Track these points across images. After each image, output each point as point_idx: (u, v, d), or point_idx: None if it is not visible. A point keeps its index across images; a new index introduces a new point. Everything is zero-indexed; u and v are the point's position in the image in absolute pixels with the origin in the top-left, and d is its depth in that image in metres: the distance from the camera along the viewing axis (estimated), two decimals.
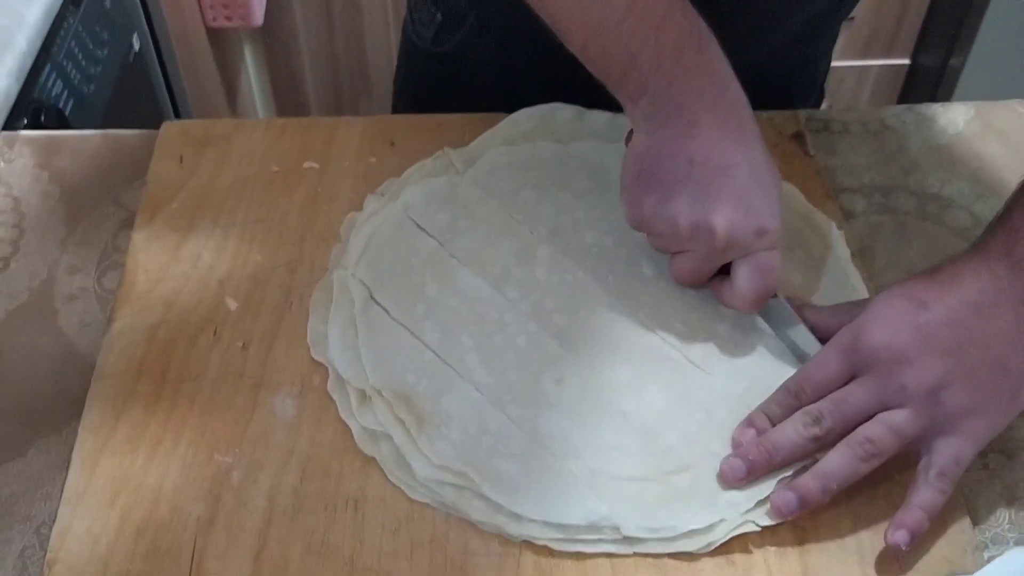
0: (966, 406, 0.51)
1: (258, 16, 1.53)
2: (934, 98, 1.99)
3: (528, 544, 0.52)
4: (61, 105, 0.98)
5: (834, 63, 0.93)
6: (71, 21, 1.02)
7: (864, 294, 0.63)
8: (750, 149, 0.57)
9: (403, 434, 0.55)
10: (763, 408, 0.55)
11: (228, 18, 1.48)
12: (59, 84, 0.98)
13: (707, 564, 0.51)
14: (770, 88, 0.85)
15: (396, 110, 0.89)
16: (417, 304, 0.61)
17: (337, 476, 0.55)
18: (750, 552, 0.52)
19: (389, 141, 0.73)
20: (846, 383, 0.53)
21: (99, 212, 0.70)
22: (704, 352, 0.60)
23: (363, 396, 0.57)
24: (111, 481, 0.54)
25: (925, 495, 0.51)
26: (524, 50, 0.58)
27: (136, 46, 1.21)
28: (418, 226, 0.66)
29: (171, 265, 0.64)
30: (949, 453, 0.51)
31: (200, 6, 1.46)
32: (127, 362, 0.59)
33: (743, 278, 0.57)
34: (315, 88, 1.93)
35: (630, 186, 0.59)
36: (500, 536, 0.52)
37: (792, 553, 0.52)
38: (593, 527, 0.52)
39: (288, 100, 1.95)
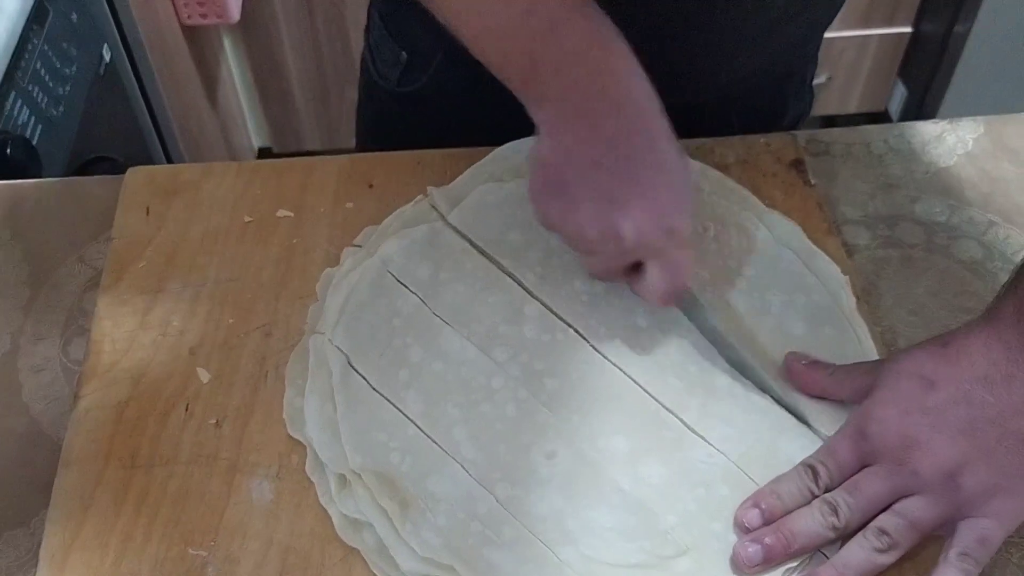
0: (988, 487, 0.49)
1: (234, 12, 1.48)
2: (938, 68, 1.93)
3: None
4: (28, 133, 0.94)
5: (834, 34, 0.90)
6: (35, 42, 0.97)
7: (870, 345, 0.60)
8: (657, 148, 0.55)
9: (386, 524, 0.52)
10: (774, 487, 0.52)
11: (203, 15, 1.43)
12: (25, 112, 0.93)
13: None
14: (767, 92, 0.81)
15: (362, 149, 0.85)
16: (399, 371, 0.58)
17: (318, 568, 0.52)
18: None
19: (367, 183, 0.69)
20: (859, 469, 0.51)
21: (63, 271, 0.66)
22: (700, 413, 0.57)
23: (343, 480, 0.54)
24: None
25: (950, 573, 0.49)
26: (497, 81, 0.56)
27: (107, 57, 1.16)
28: (398, 281, 0.62)
29: (139, 333, 0.61)
30: (973, 534, 0.49)
31: (174, 5, 1.41)
32: (95, 445, 0.56)
33: (655, 277, 0.57)
34: (299, 77, 1.88)
35: (537, 193, 0.58)
36: None
37: None
38: None
39: (272, 90, 1.90)
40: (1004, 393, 0.49)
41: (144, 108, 1.32)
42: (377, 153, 0.71)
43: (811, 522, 0.50)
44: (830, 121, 1.99)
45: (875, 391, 0.52)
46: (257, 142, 2.01)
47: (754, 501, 0.52)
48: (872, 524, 0.50)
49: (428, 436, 0.55)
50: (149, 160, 1.33)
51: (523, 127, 0.60)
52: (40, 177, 0.98)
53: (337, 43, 1.82)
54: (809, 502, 0.51)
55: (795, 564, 0.50)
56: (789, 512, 0.51)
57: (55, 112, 1.02)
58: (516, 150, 0.70)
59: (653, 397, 0.57)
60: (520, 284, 0.62)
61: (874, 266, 0.66)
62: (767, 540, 0.50)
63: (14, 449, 0.58)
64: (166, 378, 0.59)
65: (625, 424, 0.56)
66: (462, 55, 0.57)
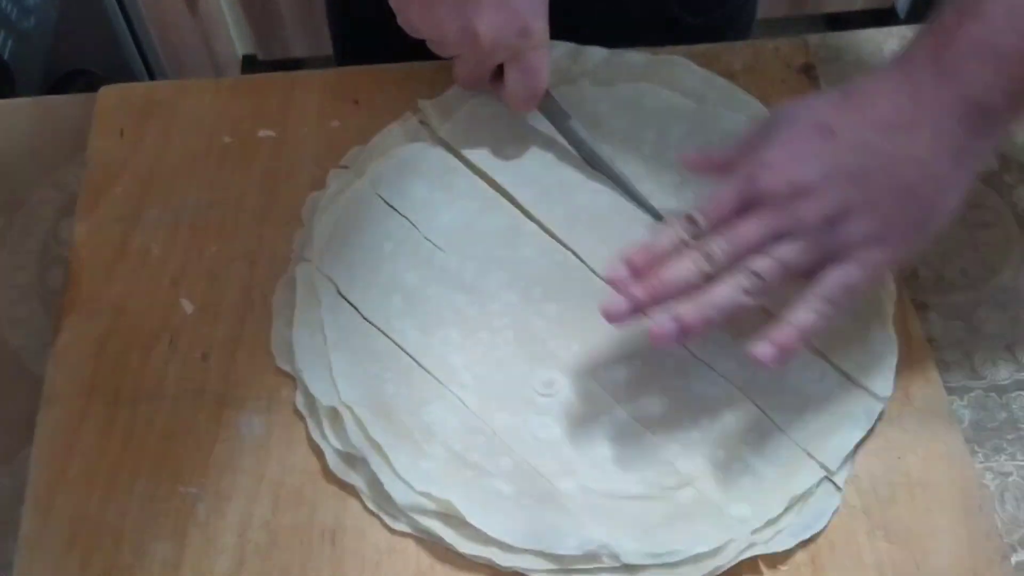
0: (867, 236, 0.47)
1: None
2: None
3: (520, 575, 0.48)
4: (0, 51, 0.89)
5: None
6: None
7: (891, 288, 0.57)
8: None
9: (380, 458, 0.50)
10: (647, 242, 0.49)
11: None
12: None
13: None
14: None
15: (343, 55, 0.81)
16: (391, 297, 0.56)
17: (311, 505, 0.50)
18: (761, 574, 0.48)
19: (352, 99, 0.65)
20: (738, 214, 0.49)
21: (37, 197, 0.63)
22: (704, 338, 0.54)
23: (335, 415, 0.52)
24: (68, 523, 0.50)
25: (800, 314, 0.47)
26: None
27: None
28: (388, 205, 0.59)
29: (118, 263, 0.58)
30: (839, 280, 0.47)
31: None
32: (77, 381, 0.54)
33: (512, 80, 0.59)
34: None
35: None
36: (490, 567, 0.48)
37: (806, 573, 0.48)
38: (590, 556, 0.48)
39: None
40: (904, 141, 0.47)
41: (121, 17, 1.26)
42: (362, 67, 0.67)
43: (682, 270, 0.48)
44: (834, 20, 1.92)
45: (772, 138, 0.49)
46: (241, 50, 1.94)
47: (624, 259, 0.49)
48: (744, 265, 0.47)
49: (422, 366, 0.53)
50: (128, 72, 1.28)
51: None
52: (15, 94, 0.94)
53: None
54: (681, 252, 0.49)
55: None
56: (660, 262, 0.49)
57: (27, 24, 0.97)
58: None
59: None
60: (516, 204, 0.59)
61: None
62: (634, 291, 0.48)
63: None
64: (148, 310, 0.57)
65: (627, 352, 0.54)
66: None
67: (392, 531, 0.49)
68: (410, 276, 0.57)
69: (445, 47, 0.59)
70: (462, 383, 0.53)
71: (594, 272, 0.57)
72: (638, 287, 0.48)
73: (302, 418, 0.53)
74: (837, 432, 0.51)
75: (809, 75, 0.67)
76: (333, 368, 0.53)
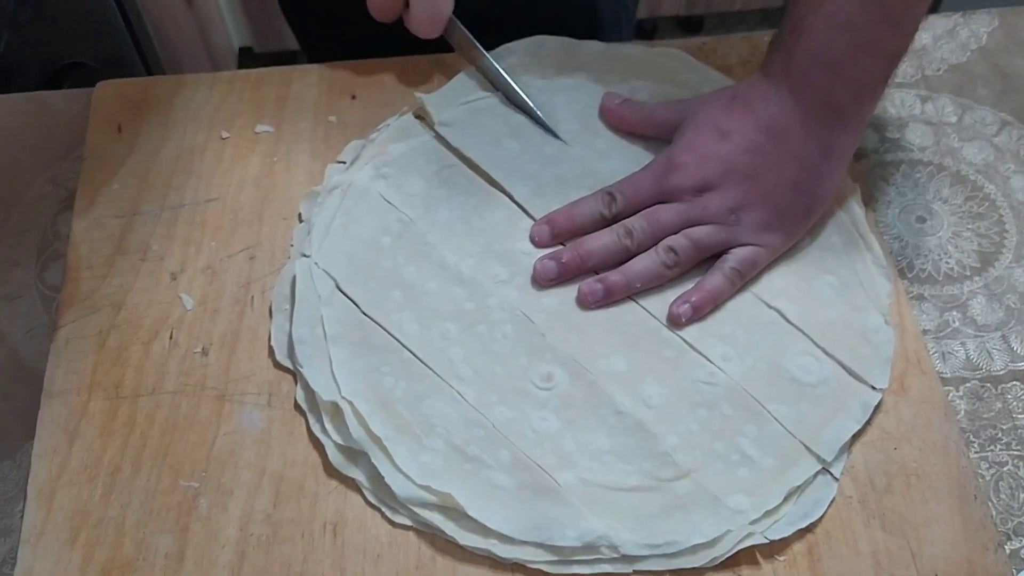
0: (763, 222, 0.56)
1: None
2: None
3: (520, 567, 0.49)
4: None
5: None
6: None
7: (880, 254, 0.57)
8: None
9: (380, 452, 0.50)
10: (569, 208, 0.58)
11: None
12: None
13: None
14: None
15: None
16: (390, 293, 0.56)
17: (312, 498, 0.51)
18: (758, 565, 0.49)
19: (350, 94, 0.65)
20: (652, 204, 0.57)
21: (34, 193, 0.63)
22: (701, 331, 0.55)
23: (336, 409, 0.52)
24: (70, 516, 0.50)
25: (716, 279, 0.55)
26: None
27: None
28: (386, 200, 0.59)
29: (117, 258, 0.59)
30: (745, 255, 0.56)
31: None
32: (77, 376, 0.54)
33: (415, 5, 0.62)
34: None
35: None
36: (491, 559, 0.49)
37: (803, 563, 0.49)
38: (589, 547, 0.48)
39: None
40: (781, 143, 0.55)
41: (116, 10, 1.25)
42: (360, 61, 0.67)
43: (608, 241, 0.56)
44: None
45: (679, 138, 0.58)
46: (237, 42, 1.94)
47: (548, 219, 0.58)
48: (662, 243, 0.56)
49: (421, 360, 0.54)
50: (124, 65, 1.27)
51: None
52: (10, 88, 0.93)
53: None
54: (600, 226, 0.57)
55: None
56: (581, 233, 0.57)
57: (22, 17, 0.97)
58: (511, 51, 0.66)
59: (653, 315, 0.56)
60: (512, 199, 0.60)
61: (882, 170, 0.64)
62: (563, 258, 0.56)
63: None
64: (148, 305, 0.57)
65: (624, 343, 0.54)
66: None
67: (393, 524, 0.50)
68: (409, 271, 0.57)
69: None
70: (461, 376, 0.53)
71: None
72: (567, 252, 0.56)
73: (302, 412, 0.53)
74: (833, 423, 0.51)
75: None
76: (333, 363, 0.53)
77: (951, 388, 0.55)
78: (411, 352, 0.54)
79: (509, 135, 0.63)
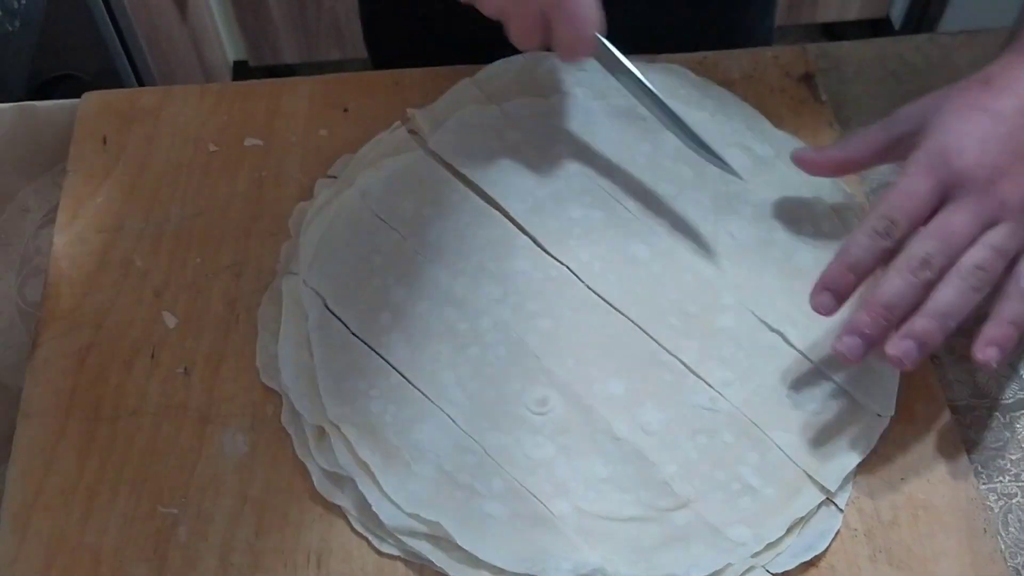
0: None
1: None
2: None
3: None
4: None
5: None
6: None
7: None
8: None
9: (367, 478, 0.49)
10: (842, 259, 0.49)
11: None
12: None
13: None
14: None
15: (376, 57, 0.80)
16: (380, 313, 0.54)
17: (296, 526, 0.49)
18: None
19: (341, 107, 0.64)
20: (935, 207, 0.48)
21: (16, 206, 0.62)
22: (701, 355, 0.53)
23: (321, 433, 0.50)
24: (45, 543, 0.48)
25: (1016, 307, 0.47)
26: None
27: None
28: (378, 217, 0.58)
29: (98, 274, 0.57)
30: None
31: None
32: (55, 396, 0.53)
33: (558, 28, 0.54)
34: None
35: None
36: None
37: None
38: None
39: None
40: None
41: (109, 22, 1.24)
42: (351, 74, 0.66)
43: (900, 286, 0.47)
44: (829, 29, 1.91)
45: (933, 131, 0.49)
46: (232, 55, 1.92)
47: (824, 283, 0.49)
48: (964, 262, 0.47)
49: (412, 384, 0.52)
50: (116, 78, 1.26)
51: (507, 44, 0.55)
52: None
53: None
54: (884, 262, 0.48)
55: None
56: (862, 280, 0.48)
57: (10, 27, 0.95)
58: (506, 67, 0.65)
59: (652, 338, 0.54)
60: (508, 216, 0.58)
61: (888, 189, 0.62)
62: (865, 329, 0.47)
63: None
64: (129, 323, 0.55)
65: (622, 367, 0.53)
66: None
67: (380, 553, 0.48)
68: (399, 290, 0.55)
69: (490, 5, 0.55)
70: (452, 400, 0.51)
71: (589, 287, 0.55)
72: (863, 317, 0.47)
73: (287, 436, 0.51)
74: (838, 452, 0.50)
75: (809, 84, 0.66)
76: (320, 384, 0.51)
77: (959, 417, 0.53)
78: (401, 375, 0.52)
79: (503, 151, 0.61)
